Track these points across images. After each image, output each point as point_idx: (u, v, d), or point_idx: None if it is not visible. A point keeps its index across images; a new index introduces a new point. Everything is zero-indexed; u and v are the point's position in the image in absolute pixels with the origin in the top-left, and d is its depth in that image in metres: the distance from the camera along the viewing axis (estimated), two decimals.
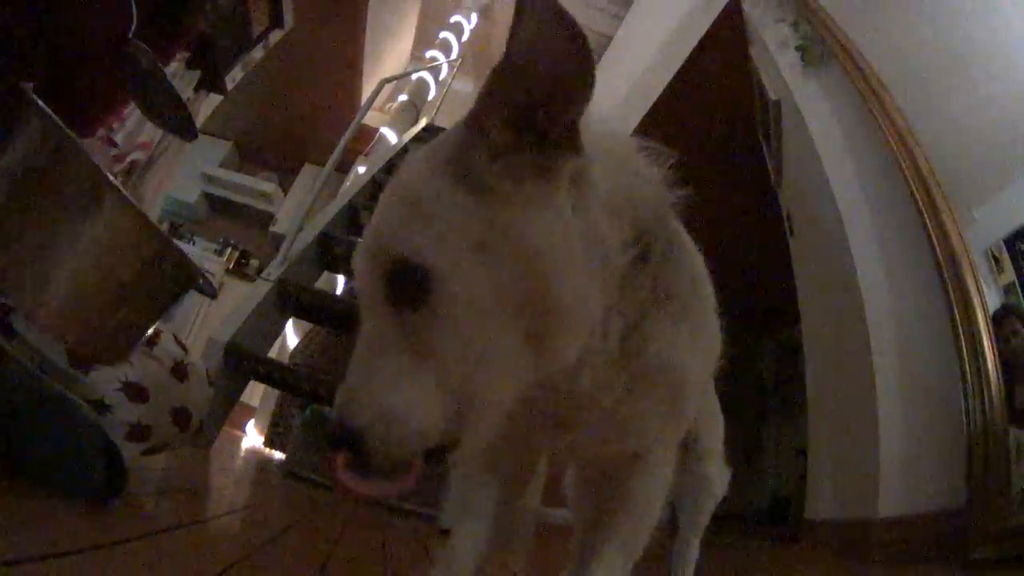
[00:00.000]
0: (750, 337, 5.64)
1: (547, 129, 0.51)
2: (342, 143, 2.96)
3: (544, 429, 0.68)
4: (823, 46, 2.60)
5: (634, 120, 4.24)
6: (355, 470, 0.50)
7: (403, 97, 5.69)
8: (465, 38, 6.49)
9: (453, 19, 6.52)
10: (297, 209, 3.79)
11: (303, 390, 2.20)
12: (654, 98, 4.11)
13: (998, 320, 1.78)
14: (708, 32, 3.55)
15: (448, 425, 0.50)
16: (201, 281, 1.08)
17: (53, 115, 0.85)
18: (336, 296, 2.82)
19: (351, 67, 5.63)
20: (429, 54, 6.09)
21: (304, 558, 1.00)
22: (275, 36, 4.05)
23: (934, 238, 1.91)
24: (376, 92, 3.46)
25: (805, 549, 2.32)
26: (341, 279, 4.12)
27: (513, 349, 0.51)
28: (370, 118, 5.45)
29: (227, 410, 2.22)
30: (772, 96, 2.90)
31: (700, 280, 0.70)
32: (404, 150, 4.15)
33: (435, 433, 0.50)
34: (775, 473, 5.06)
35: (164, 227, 6.09)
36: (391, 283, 0.51)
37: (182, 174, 5.17)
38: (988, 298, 1.80)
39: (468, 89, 6.74)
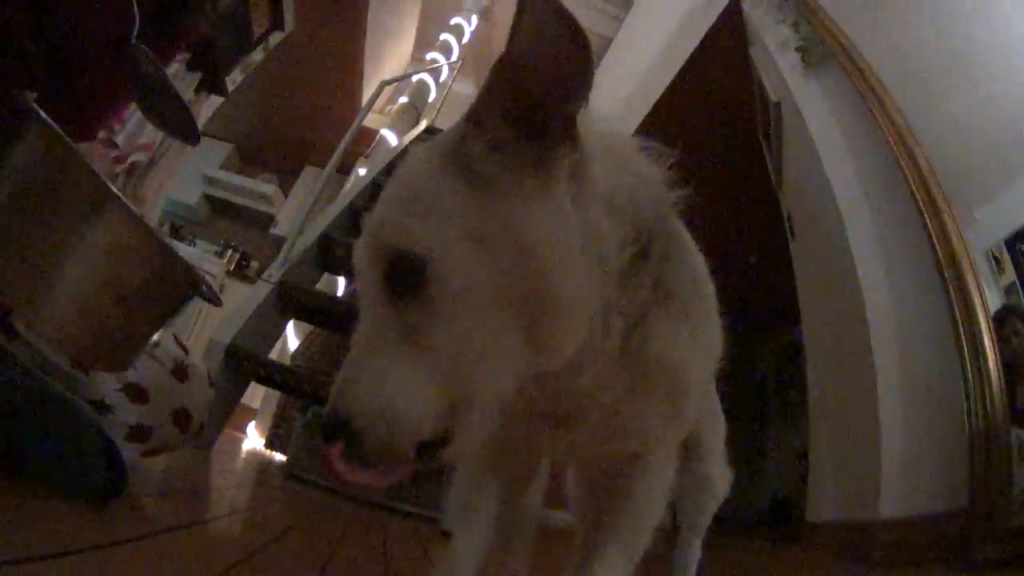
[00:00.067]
0: (751, 338, 5.64)
1: (546, 124, 0.51)
2: (342, 145, 2.96)
3: (545, 428, 0.68)
4: (823, 47, 2.60)
5: (634, 121, 4.24)
6: (349, 459, 0.50)
7: (403, 99, 5.69)
8: (465, 40, 6.49)
9: (453, 21, 6.52)
10: (298, 211, 3.79)
11: (304, 392, 2.19)
12: (654, 100, 4.11)
13: (999, 320, 1.78)
14: (708, 33, 3.56)
15: (442, 418, 0.50)
16: (205, 289, 1.08)
17: (54, 125, 0.85)
18: (337, 298, 2.82)
19: (351, 69, 5.64)
20: (429, 56, 6.08)
21: (305, 560, 0.99)
22: (275, 38, 4.05)
23: (935, 239, 1.91)
24: (376, 94, 3.46)
25: (806, 550, 2.32)
26: (342, 281, 4.12)
27: (509, 342, 0.51)
28: (370, 120, 5.45)
29: (228, 412, 2.22)
30: (772, 97, 2.90)
31: (701, 280, 0.70)
32: (404, 152, 4.14)
33: (429, 426, 0.50)
34: (776, 474, 5.06)
35: (165, 228, 6.10)
36: (389, 274, 0.51)
37: (183, 176, 5.17)
38: (989, 298, 1.79)
39: (469, 91, 6.73)
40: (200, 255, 5.84)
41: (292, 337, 4.22)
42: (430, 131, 4.81)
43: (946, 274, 1.86)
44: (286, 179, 6.99)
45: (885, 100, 2.20)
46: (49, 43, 1.27)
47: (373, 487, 0.51)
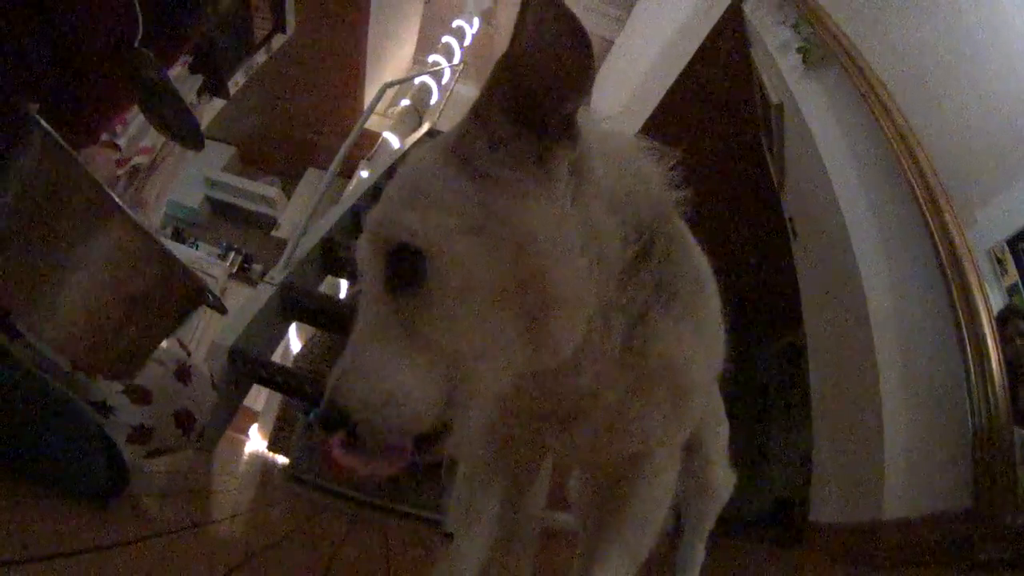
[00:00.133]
0: (753, 339, 5.63)
1: (546, 121, 0.52)
2: (345, 147, 2.96)
3: (548, 428, 0.68)
4: (824, 48, 2.60)
5: (636, 123, 4.24)
6: (348, 449, 0.51)
7: (405, 101, 5.69)
8: (467, 42, 6.50)
9: (455, 24, 6.53)
10: (300, 213, 3.80)
11: (306, 394, 2.20)
12: (656, 101, 4.12)
13: (1002, 321, 1.77)
14: (709, 35, 3.56)
15: (440, 411, 0.50)
16: (211, 299, 1.08)
17: (58, 137, 0.85)
18: (339, 300, 2.82)
19: (353, 71, 5.64)
20: (431, 58, 6.10)
21: (307, 562, 0.99)
22: (277, 40, 4.06)
23: (937, 239, 1.91)
24: (379, 96, 3.46)
25: (809, 552, 2.32)
26: (344, 283, 4.12)
27: (508, 337, 0.51)
28: (373, 122, 5.46)
29: (231, 414, 2.22)
30: (773, 98, 2.90)
31: (704, 280, 0.70)
32: (406, 154, 4.15)
33: (426, 417, 0.50)
34: (779, 476, 5.05)
35: (167, 231, 6.10)
36: (389, 266, 0.52)
37: (185, 178, 5.17)
38: (992, 299, 1.79)
39: (470, 93, 6.72)
40: (202, 258, 5.84)
41: (295, 340, 4.23)
42: (432, 134, 4.81)
43: (948, 274, 1.86)
44: (288, 181, 6.99)
45: (886, 100, 2.20)
46: (52, 46, 1.27)
47: (372, 477, 0.51)
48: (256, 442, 4.37)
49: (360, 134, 3.18)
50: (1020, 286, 1.77)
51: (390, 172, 3.75)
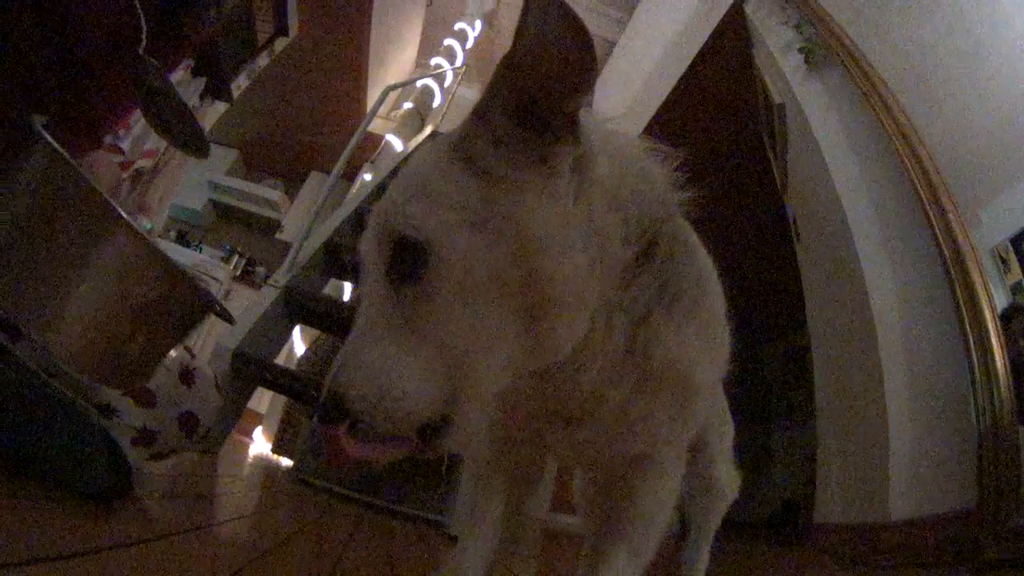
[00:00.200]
0: (757, 340, 5.62)
1: (548, 119, 0.52)
2: (348, 150, 2.97)
3: (552, 427, 0.68)
4: (826, 48, 2.59)
5: (639, 124, 4.24)
6: (351, 435, 0.51)
7: (408, 104, 5.70)
8: (469, 45, 6.50)
9: (457, 26, 6.54)
10: (303, 216, 3.80)
11: (310, 397, 2.20)
12: (658, 103, 4.11)
13: (1006, 319, 1.77)
14: (711, 36, 3.56)
15: (440, 402, 0.51)
16: (218, 308, 1.08)
17: (60, 149, 0.85)
18: (343, 303, 2.82)
19: (356, 74, 5.65)
20: (434, 61, 6.10)
21: (311, 564, 0.99)
22: (280, 43, 4.07)
23: (940, 239, 1.90)
24: (381, 99, 3.47)
25: (815, 553, 2.31)
26: (348, 286, 4.13)
27: (507, 332, 0.52)
28: (375, 125, 5.47)
29: (235, 416, 2.22)
30: (776, 99, 2.90)
31: (708, 280, 0.69)
32: (409, 157, 4.15)
33: (426, 409, 0.50)
34: (784, 476, 5.04)
35: (171, 234, 6.12)
36: (392, 259, 0.52)
37: (188, 181, 5.20)
38: (996, 298, 1.79)
39: (473, 95, 6.72)
40: (206, 260, 5.85)
41: (299, 342, 4.23)
42: (435, 136, 4.81)
43: (952, 274, 1.86)
44: (292, 184, 7.01)
45: (888, 100, 2.20)
46: (55, 49, 1.28)
47: (375, 461, 0.52)
48: (260, 444, 4.37)
49: (363, 137, 3.19)
50: None
51: (393, 174, 3.76)
